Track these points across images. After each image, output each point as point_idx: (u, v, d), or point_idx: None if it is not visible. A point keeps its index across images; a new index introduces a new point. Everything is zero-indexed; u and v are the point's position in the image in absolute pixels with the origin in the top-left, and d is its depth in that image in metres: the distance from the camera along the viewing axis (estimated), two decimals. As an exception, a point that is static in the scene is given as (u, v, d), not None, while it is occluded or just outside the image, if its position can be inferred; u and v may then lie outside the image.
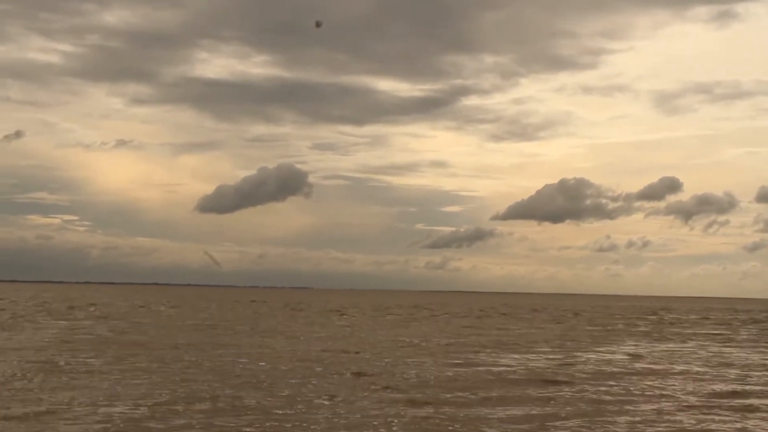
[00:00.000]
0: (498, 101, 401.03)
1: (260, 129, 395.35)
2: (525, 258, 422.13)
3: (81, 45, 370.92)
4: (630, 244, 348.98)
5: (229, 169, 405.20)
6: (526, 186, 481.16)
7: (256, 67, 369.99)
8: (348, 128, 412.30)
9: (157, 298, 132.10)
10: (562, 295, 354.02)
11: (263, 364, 27.96)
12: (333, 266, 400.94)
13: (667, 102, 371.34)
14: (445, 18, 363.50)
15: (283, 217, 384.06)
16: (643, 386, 24.34)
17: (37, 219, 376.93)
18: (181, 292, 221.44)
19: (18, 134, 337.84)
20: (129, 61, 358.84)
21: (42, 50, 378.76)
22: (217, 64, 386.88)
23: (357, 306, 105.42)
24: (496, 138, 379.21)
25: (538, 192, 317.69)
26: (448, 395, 21.48)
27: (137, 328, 46.68)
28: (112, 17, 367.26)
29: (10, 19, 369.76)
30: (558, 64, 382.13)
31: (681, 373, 28.52)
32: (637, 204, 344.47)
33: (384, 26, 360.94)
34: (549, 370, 28.38)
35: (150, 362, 27.59)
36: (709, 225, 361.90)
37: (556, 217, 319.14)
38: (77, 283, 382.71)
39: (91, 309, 74.86)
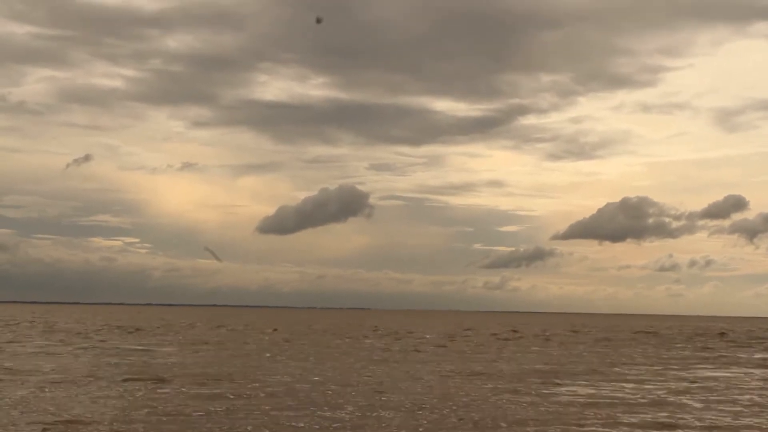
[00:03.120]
0: (555, 120, 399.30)
1: (318, 150, 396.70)
2: (584, 278, 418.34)
3: (144, 69, 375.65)
4: (692, 264, 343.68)
5: (288, 190, 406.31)
6: (584, 205, 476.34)
7: (315, 89, 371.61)
8: (405, 148, 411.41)
9: (257, 319, 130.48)
10: (623, 316, 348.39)
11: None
12: (391, 287, 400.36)
13: (727, 119, 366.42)
14: (503, 37, 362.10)
15: (342, 238, 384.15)
16: None
17: (100, 241, 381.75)
18: (253, 313, 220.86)
19: (87, 158, 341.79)
20: (190, 85, 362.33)
21: (106, 75, 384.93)
22: (276, 86, 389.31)
23: (472, 329, 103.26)
24: (554, 157, 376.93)
25: (600, 211, 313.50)
26: None
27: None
28: (174, 42, 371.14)
29: (76, 45, 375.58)
30: (616, 82, 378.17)
31: None
32: (701, 222, 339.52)
33: (441, 46, 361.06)
34: None
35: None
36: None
37: (616, 237, 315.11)
38: (138, 304, 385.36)
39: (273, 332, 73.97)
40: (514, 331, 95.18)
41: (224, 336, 67.42)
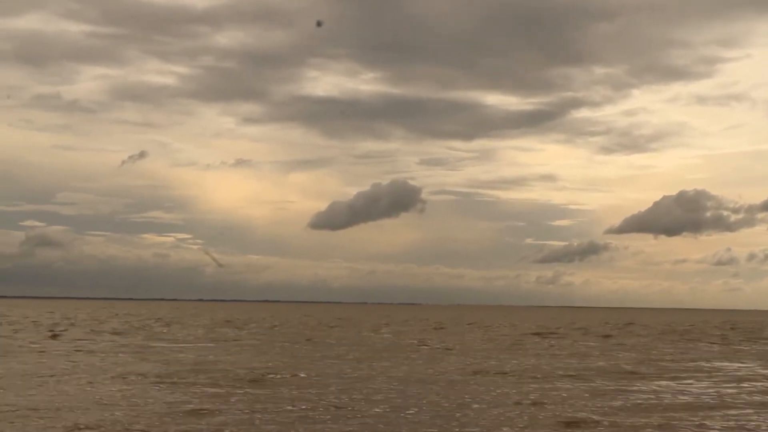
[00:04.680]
0: (609, 113, 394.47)
1: (369, 145, 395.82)
2: (638, 272, 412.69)
3: (195, 66, 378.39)
4: (751, 257, 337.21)
5: (338, 186, 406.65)
6: (637, 198, 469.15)
7: (365, 84, 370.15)
8: (456, 143, 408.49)
9: (320, 314, 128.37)
10: (678, 310, 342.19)
11: None
12: (443, 282, 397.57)
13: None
14: (555, 30, 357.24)
15: (393, 233, 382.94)
16: None
17: (152, 238, 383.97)
18: (307, 309, 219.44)
19: (142, 155, 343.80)
20: (241, 81, 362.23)
21: (158, 72, 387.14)
22: (326, 81, 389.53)
23: (560, 325, 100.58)
24: (607, 150, 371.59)
25: (656, 204, 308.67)
26: None
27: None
28: (224, 38, 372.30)
29: (128, 42, 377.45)
30: (671, 74, 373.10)
31: None
32: (761, 216, 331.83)
33: (492, 40, 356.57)
34: None
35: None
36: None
37: (672, 230, 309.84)
38: (190, 300, 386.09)
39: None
40: (630, 323, 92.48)
41: (367, 336, 64.57)
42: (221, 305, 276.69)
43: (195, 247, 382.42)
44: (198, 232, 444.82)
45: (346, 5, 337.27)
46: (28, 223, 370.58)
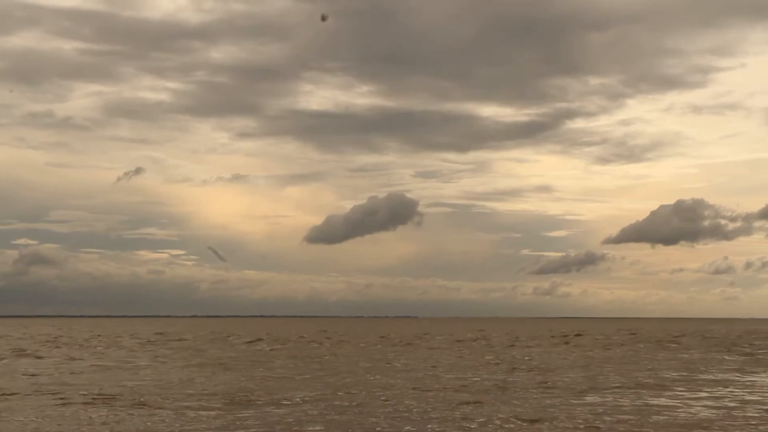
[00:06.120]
0: (604, 123, 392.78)
1: (364, 159, 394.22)
2: (635, 282, 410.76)
3: (189, 82, 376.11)
4: (748, 265, 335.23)
5: (334, 199, 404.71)
6: (634, 209, 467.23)
7: (360, 97, 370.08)
8: (451, 155, 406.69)
9: (329, 328, 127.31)
10: (674, 320, 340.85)
11: None
12: (439, 294, 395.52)
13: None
14: (549, 41, 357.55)
15: (389, 246, 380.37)
16: None
17: (146, 254, 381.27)
18: (306, 324, 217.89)
19: (138, 171, 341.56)
20: (235, 96, 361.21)
21: (152, 89, 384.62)
22: (321, 95, 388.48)
23: (586, 334, 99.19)
24: (602, 160, 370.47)
25: (653, 213, 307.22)
26: None
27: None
28: (218, 53, 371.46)
29: (121, 59, 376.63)
30: (666, 83, 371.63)
31: None
32: (758, 224, 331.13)
33: (487, 51, 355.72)
34: None
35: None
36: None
37: (669, 240, 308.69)
38: (184, 317, 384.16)
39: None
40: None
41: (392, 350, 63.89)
42: (215, 321, 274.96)
43: (189, 263, 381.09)
44: (193, 248, 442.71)
45: (339, 18, 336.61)
46: (21, 241, 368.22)
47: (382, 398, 27.62)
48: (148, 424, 22.12)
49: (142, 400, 26.77)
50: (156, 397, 27.62)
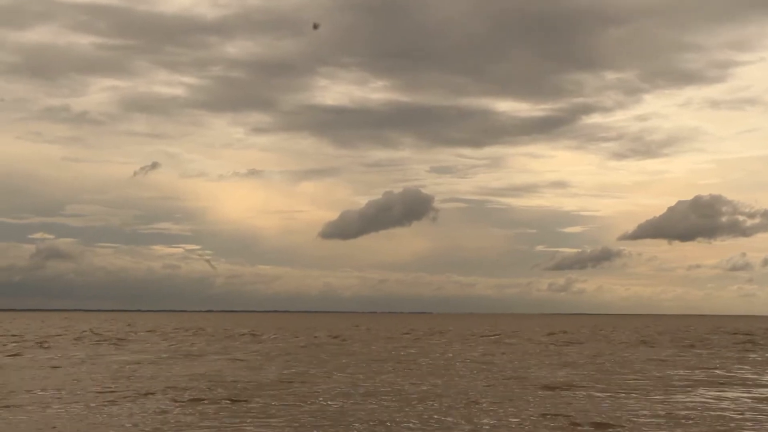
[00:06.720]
0: (620, 119, 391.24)
1: (379, 154, 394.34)
2: (651, 278, 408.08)
3: (205, 77, 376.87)
4: (766, 262, 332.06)
5: (348, 195, 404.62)
6: (650, 204, 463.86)
7: (375, 92, 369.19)
8: (467, 150, 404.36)
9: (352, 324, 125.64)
10: (691, 317, 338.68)
11: None
12: (454, 290, 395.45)
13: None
14: (566, 35, 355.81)
15: (404, 242, 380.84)
16: None
17: (161, 249, 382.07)
18: (322, 319, 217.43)
19: (154, 165, 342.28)
20: (250, 91, 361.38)
21: (168, 83, 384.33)
22: (336, 90, 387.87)
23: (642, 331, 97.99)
24: (618, 156, 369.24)
25: (670, 209, 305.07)
26: None
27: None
28: (234, 48, 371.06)
29: (137, 54, 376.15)
30: (684, 78, 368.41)
31: None
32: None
33: (502, 46, 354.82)
34: None
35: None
36: None
37: (686, 236, 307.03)
38: (199, 311, 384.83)
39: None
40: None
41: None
42: (230, 316, 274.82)
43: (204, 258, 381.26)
44: (208, 243, 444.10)
45: (355, 14, 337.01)
46: (37, 235, 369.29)
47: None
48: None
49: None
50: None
